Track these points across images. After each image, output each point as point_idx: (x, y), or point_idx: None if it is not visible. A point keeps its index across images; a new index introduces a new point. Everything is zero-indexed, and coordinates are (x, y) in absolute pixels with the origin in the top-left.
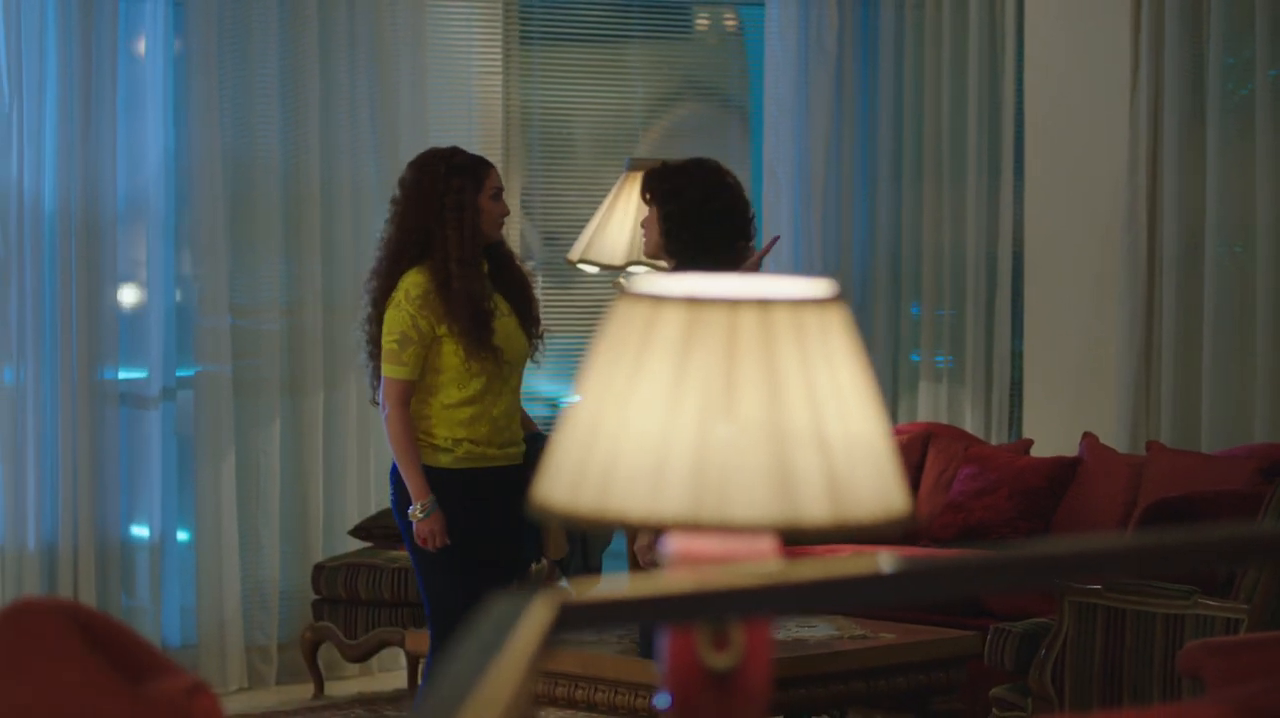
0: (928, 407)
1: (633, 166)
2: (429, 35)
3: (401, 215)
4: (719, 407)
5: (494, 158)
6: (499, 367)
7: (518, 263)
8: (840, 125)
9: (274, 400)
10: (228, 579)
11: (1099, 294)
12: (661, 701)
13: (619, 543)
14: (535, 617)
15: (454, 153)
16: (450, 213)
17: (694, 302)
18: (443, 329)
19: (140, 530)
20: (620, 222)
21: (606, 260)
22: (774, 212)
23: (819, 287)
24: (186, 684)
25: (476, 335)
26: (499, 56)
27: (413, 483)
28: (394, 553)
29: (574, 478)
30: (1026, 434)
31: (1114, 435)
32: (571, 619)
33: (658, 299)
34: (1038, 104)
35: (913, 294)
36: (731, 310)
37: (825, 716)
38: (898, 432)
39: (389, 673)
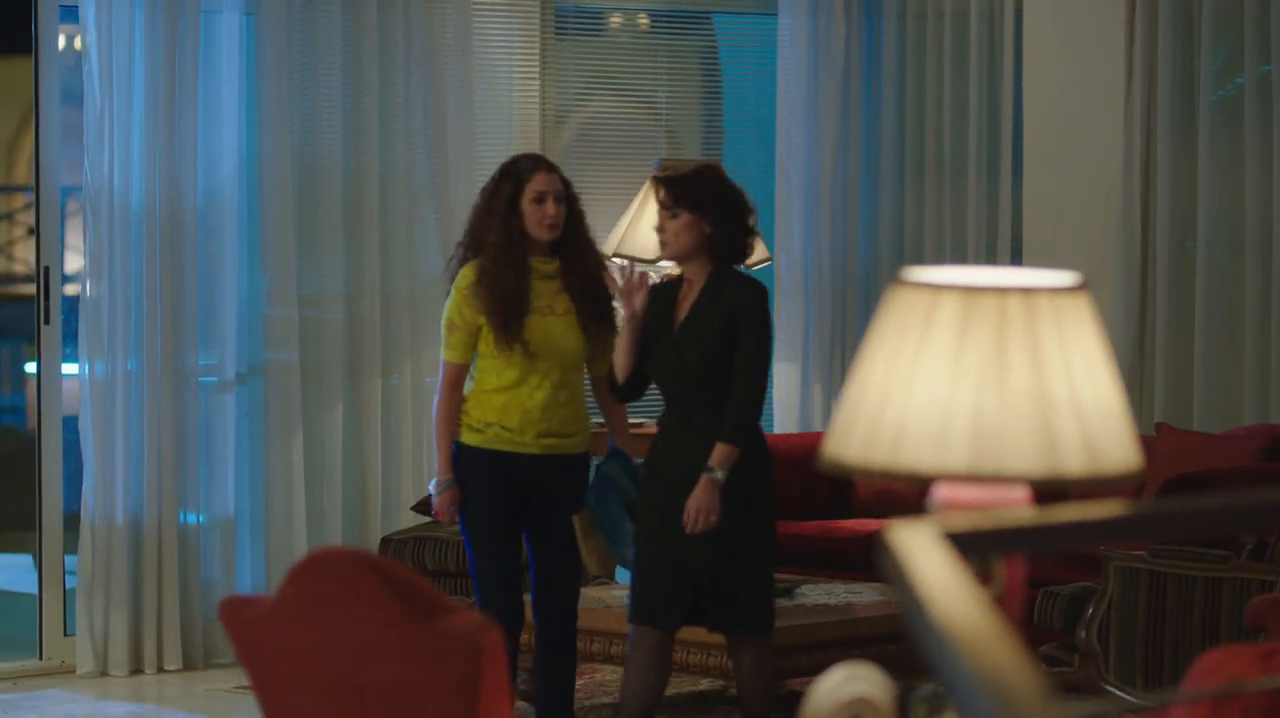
0: None
1: (661, 167)
2: (474, 43)
3: (470, 215)
4: (992, 377)
5: None
6: (530, 360)
7: (592, 265)
8: (847, 128)
9: (337, 385)
10: (297, 553)
11: (1095, 287)
12: None
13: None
14: (929, 545)
15: (516, 159)
16: (494, 215)
17: (969, 290)
18: (482, 320)
19: (216, 507)
20: (652, 218)
21: (639, 254)
22: (786, 208)
23: (1070, 277)
24: (476, 620)
25: (504, 329)
26: (536, 62)
27: (439, 459)
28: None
29: (866, 439)
30: None
31: None
32: (964, 546)
33: (936, 288)
34: (1036, 108)
35: None
36: (1001, 297)
37: None
38: None
39: None
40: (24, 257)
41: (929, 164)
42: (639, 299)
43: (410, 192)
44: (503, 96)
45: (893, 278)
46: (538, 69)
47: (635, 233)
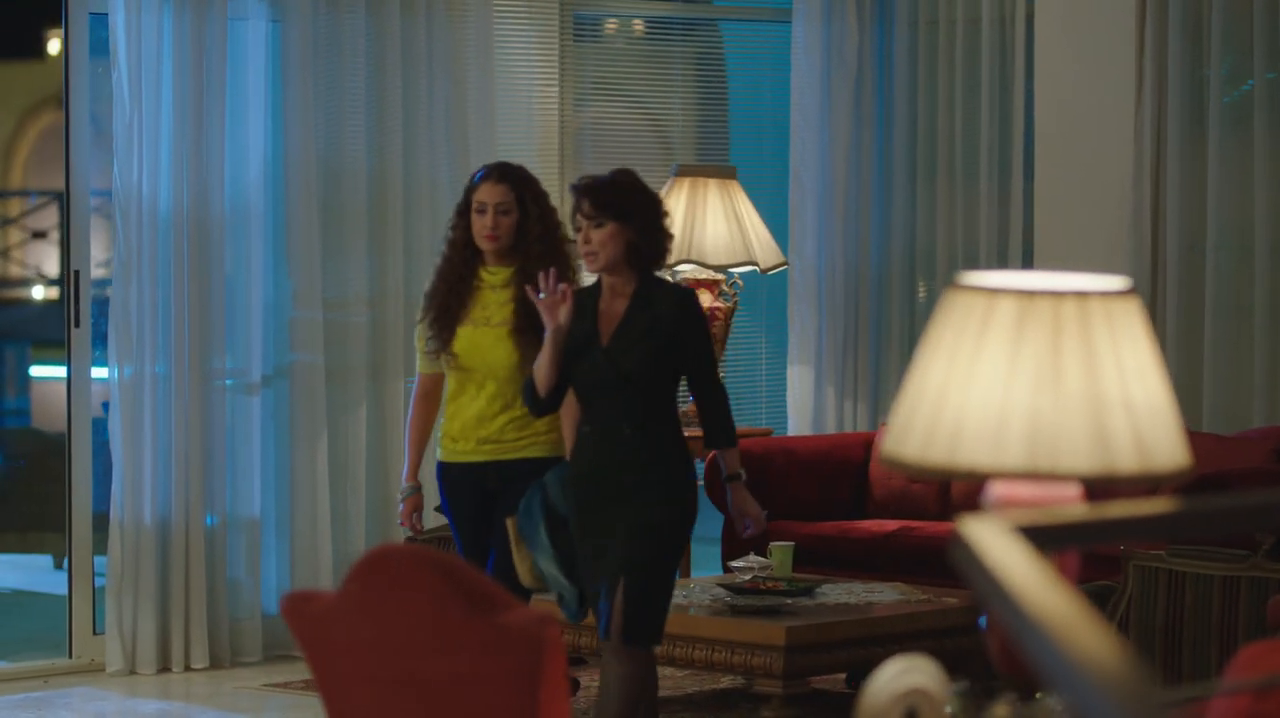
0: None
1: (679, 172)
2: (495, 49)
3: None
4: (1047, 378)
5: (550, 162)
6: (463, 371)
7: (542, 281)
8: (860, 133)
9: (361, 387)
10: (321, 553)
11: None
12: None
13: None
14: (1004, 539)
15: (480, 168)
16: (452, 226)
17: (1025, 293)
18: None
19: (241, 507)
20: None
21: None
22: (799, 212)
23: (1120, 282)
24: (537, 615)
25: (436, 339)
26: (555, 68)
27: (406, 466)
28: None
29: (925, 438)
30: None
31: None
32: (1037, 539)
33: (993, 292)
34: (1047, 114)
35: (926, 289)
36: (1056, 301)
37: None
38: None
39: None
40: (28, 260)
41: (941, 169)
42: (563, 313)
43: (433, 196)
44: (522, 101)
45: (905, 281)
46: (556, 75)
47: None
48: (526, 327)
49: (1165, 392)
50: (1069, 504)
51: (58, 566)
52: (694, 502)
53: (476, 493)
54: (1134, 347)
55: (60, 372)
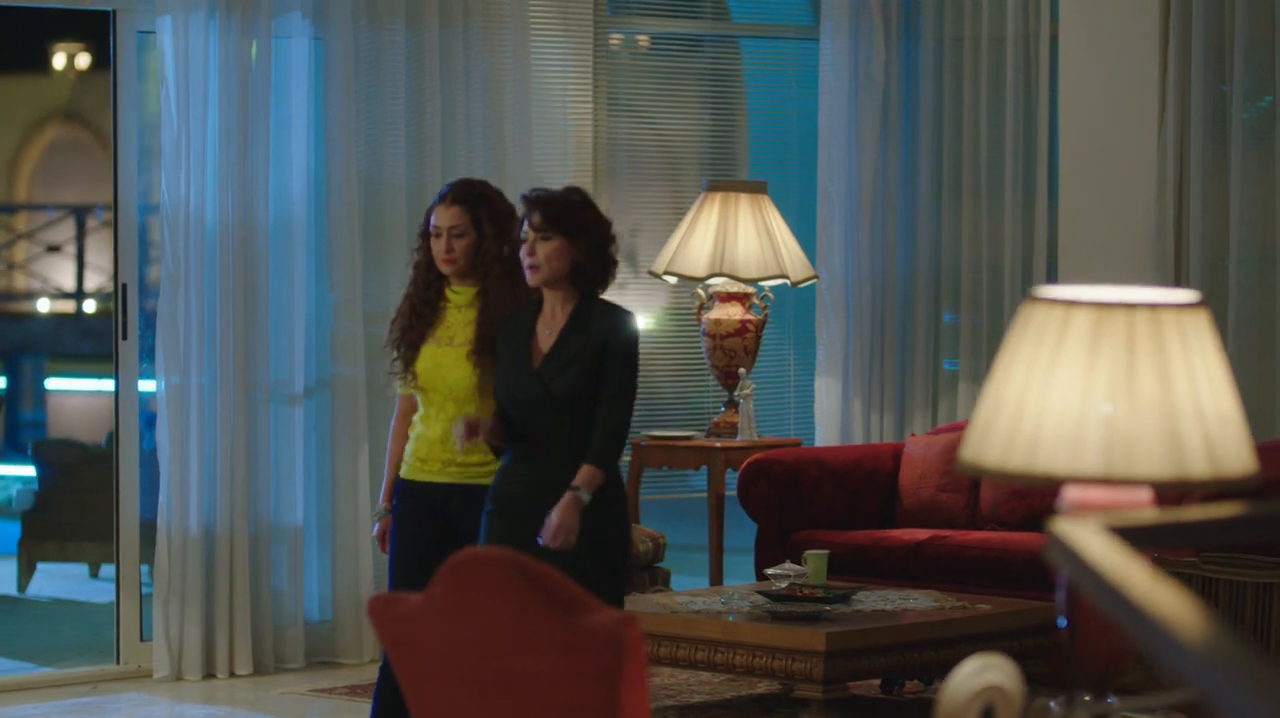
0: (966, 408)
1: (710, 186)
2: (531, 66)
3: None
4: (1122, 386)
5: (584, 179)
6: (424, 392)
7: (498, 297)
8: (887, 149)
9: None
10: (362, 561)
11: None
12: (1061, 622)
13: None
14: (1098, 539)
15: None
16: (418, 248)
17: (1100, 306)
18: None
19: (284, 516)
20: (701, 236)
21: (689, 272)
22: (827, 226)
23: (1189, 295)
24: (619, 616)
25: (399, 359)
26: (589, 88)
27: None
28: None
29: (1004, 445)
30: None
31: None
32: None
33: (1069, 304)
34: (1071, 129)
35: (951, 303)
36: (1130, 312)
37: (917, 681)
38: (957, 428)
39: None
40: (44, 273)
41: (966, 184)
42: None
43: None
44: (558, 118)
45: (930, 294)
46: (590, 91)
47: (686, 251)
48: (486, 348)
49: (1233, 400)
50: (1144, 508)
51: (94, 574)
52: (622, 524)
53: (437, 514)
54: (1204, 356)
55: (77, 384)
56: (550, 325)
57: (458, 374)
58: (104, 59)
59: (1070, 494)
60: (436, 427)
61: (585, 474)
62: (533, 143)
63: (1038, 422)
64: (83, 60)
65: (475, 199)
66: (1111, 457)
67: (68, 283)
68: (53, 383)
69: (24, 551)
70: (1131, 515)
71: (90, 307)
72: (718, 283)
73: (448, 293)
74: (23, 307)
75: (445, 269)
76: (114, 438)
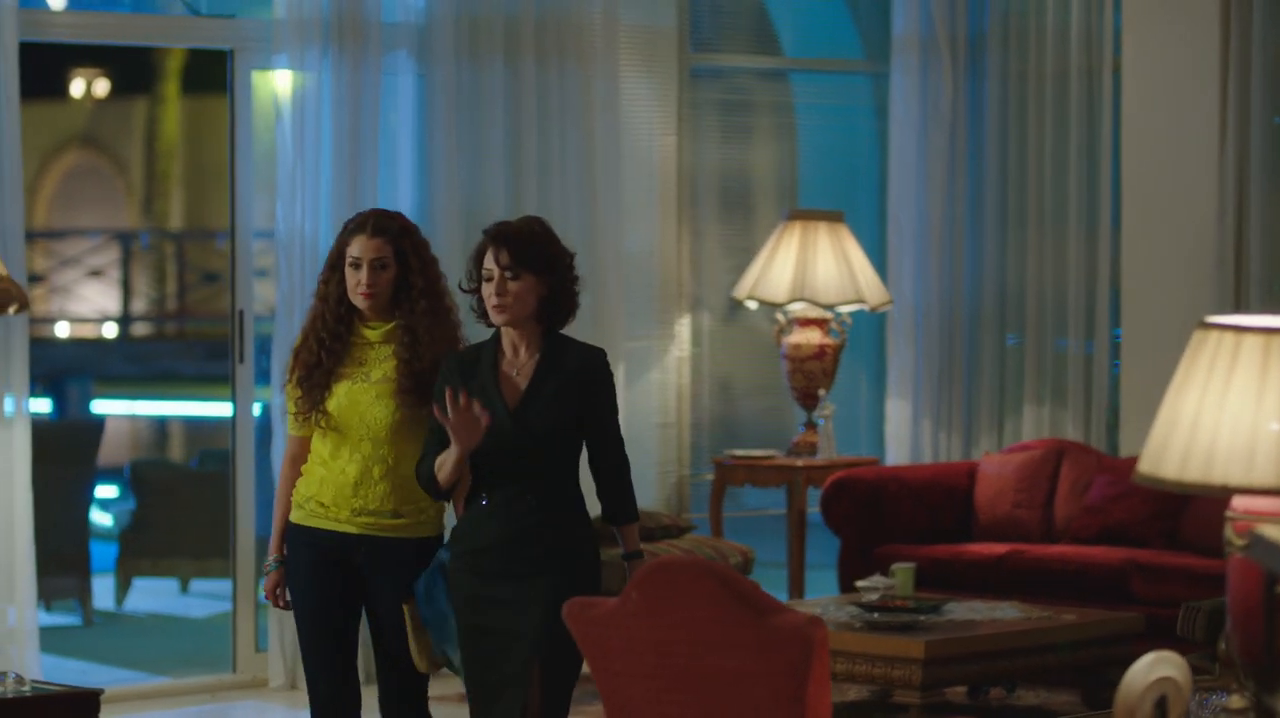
0: (1032, 426)
1: (790, 216)
2: (621, 101)
3: None
4: None
5: (669, 210)
6: (337, 432)
7: (425, 335)
8: (954, 179)
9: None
10: None
11: (1190, 326)
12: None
13: None
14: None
15: (353, 217)
16: (322, 281)
17: (1269, 331)
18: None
19: None
20: (782, 263)
21: (770, 298)
22: (897, 254)
23: None
24: (806, 617)
25: (306, 398)
26: (674, 121)
27: (272, 537)
28: None
29: (1181, 459)
30: (1123, 453)
31: None
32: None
33: (1240, 330)
34: (1133, 161)
35: (1016, 328)
36: None
37: (1000, 688)
38: (1030, 447)
39: None
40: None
41: (1031, 214)
42: (475, 439)
43: (565, 243)
44: (645, 150)
45: (996, 320)
46: (675, 124)
47: (768, 278)
48: (411, 386)
49: None
50: None
51: (184, 589)
52: (598, 570)
53: (341, 567)
54: None
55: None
56: (516, 365)
57: (376, 412)
58: (122, 85)
59: (1239, 503)
60: (351, 468)
61: (632, 535)
62: (621, 174)
63: (1212, 438)
64: (100, 88)
65: (398, 231)
66: None
67: (113, 307)
68: (100, 405)
69: (121, 567)
70: None
71: (137, 330)
72: (797, 308)
73: (362, 329)
74: (65, 331)
75: (362, 303)
76: (230, 457)
